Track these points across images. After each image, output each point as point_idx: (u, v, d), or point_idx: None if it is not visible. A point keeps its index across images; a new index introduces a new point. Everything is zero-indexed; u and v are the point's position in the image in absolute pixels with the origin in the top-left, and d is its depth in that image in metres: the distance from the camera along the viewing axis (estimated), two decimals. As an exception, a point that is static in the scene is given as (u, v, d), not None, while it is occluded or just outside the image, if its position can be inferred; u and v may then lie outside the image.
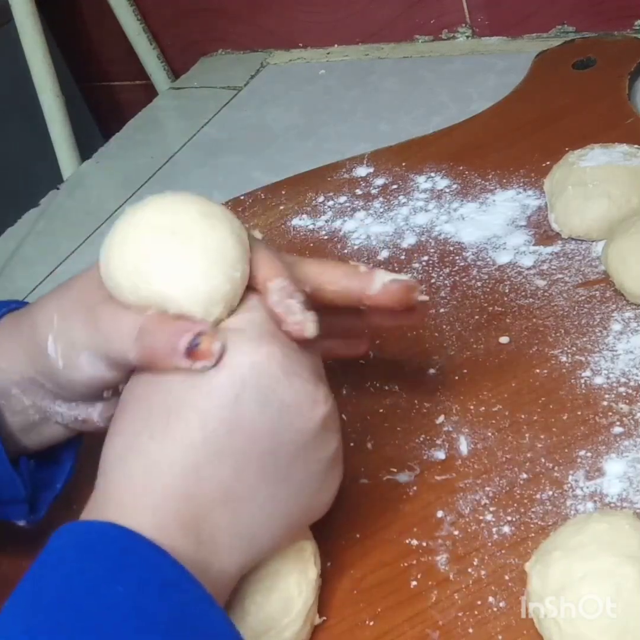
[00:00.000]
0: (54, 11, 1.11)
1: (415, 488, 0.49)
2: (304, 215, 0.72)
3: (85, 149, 0.99)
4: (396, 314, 0.46)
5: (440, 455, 0.50)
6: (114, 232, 0.42)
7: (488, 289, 0.60)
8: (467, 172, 0.71)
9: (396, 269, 0.64)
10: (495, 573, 0.43)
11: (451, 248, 0.64)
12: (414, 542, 0.46)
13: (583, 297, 0.57)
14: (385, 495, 0.49)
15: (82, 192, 0.92)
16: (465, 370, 0.55)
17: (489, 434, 0.50)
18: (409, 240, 0.66)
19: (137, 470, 0.38)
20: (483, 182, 0.70)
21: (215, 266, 0.40)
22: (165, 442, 0.38)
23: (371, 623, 0.43)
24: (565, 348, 0.54)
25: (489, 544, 0.45)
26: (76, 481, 0.48)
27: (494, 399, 0.52)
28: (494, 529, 0.45)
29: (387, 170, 0.74)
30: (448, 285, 0.61)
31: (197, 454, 0.38)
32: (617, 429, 0.48)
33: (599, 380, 0.51)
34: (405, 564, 0.45)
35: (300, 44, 1.04)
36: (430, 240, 0.66)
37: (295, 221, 0.72)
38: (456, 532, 0.46)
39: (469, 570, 0.44)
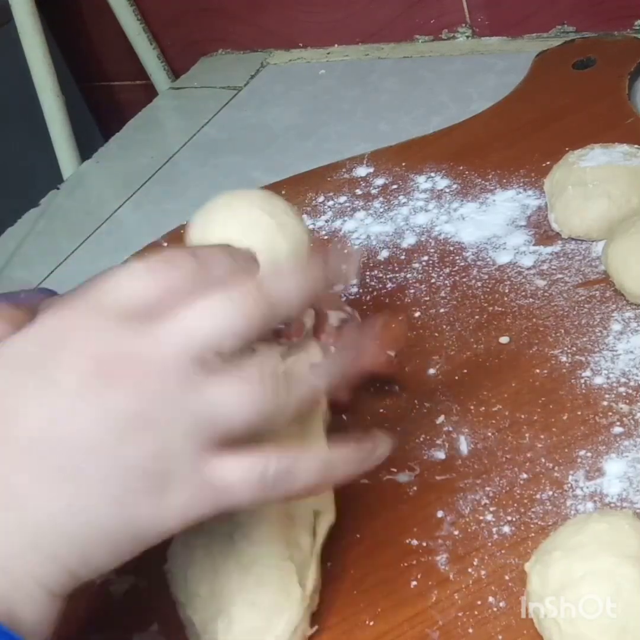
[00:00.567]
0: (54, 11, 1.11)
1: (415, 488, 0.49)
2: (304, 215, 0.72)
3: (85, 149, 0.99)
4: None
5: (440, 455, 0.50)
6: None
7: (488, 289, 0.60)
8: (467, 172, 0.71)
9: (396, 268, 0.64)
10: (495, 573, 0.43)
11: (451, 248, 0.64)
12: (414, 542, 0.46)
13: (583, 297, 0.57)
14: (385, 496, 0.49)
15: (82, 192, 0.92)
16: (465, 370, 0.55)
17: (489, 434, 0.50)
18: (409, 240, 0.66)
19: None
20: (483, 182, 0.70)
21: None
22: None
23: (371, 623, 0.43)
24: (565, 348, 0.54)
25: (489, 544, 0.45)
26: None
27: (494, 399, 0.52)
28: (494, 529, 0.45)
29: (387, 170, 0.74)
30: (448, 285, 0.61)
31: None
32: (617, 429, 0.48)
33: (599, 380, 0.51)
34: (405, 564, 0.45)
35: (300, 44, 1.04)
36: (430, 240, 0.66)
37: (295, 221, 0.72)
38: (456, 532, 0.46)
39: (469, 570, 0.44)
